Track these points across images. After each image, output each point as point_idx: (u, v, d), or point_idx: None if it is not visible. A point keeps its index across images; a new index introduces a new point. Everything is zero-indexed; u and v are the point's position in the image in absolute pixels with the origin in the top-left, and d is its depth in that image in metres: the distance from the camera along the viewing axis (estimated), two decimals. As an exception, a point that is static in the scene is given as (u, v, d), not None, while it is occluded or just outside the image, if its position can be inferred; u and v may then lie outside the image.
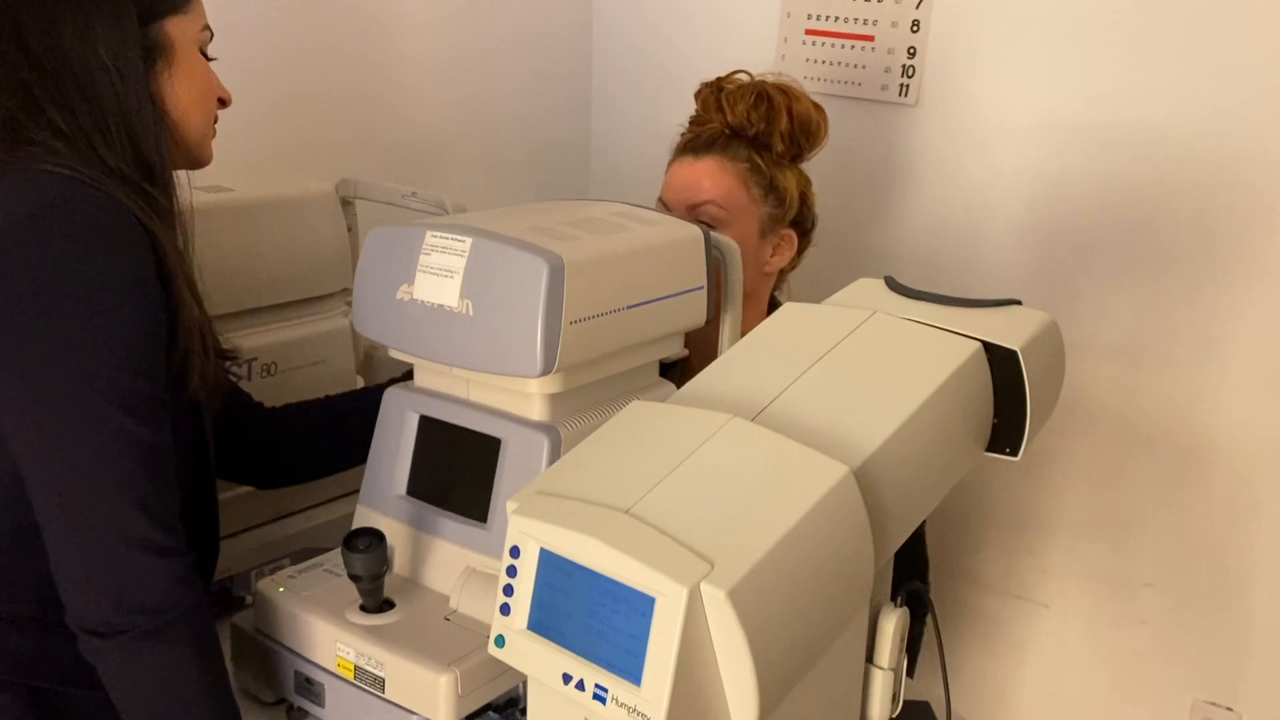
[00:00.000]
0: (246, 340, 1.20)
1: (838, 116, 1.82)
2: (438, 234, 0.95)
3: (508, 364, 0.92)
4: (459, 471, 1.00)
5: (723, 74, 1.40)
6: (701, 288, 1.06)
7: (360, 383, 1.36)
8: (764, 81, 1.36)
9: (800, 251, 1.42)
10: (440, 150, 1.85)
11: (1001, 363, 0.87)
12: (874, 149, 1.80)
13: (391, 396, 1.05)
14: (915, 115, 1.76)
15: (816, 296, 1.00)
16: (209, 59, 1.03)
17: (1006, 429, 0.90)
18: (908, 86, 1.75)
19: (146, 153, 0.95)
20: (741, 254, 1.16)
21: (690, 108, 1.41)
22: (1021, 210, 1.68)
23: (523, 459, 0.96)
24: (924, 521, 0.97)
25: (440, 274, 0.94)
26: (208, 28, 1.02)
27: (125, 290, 0.88)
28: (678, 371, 1.26)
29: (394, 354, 1.01)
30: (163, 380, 0.91)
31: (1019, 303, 0.93)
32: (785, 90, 1.35)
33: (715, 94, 1.37)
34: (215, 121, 1.04)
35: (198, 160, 1.03)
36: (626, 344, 0.99)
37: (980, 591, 1.81)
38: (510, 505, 0.77)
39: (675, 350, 1.09)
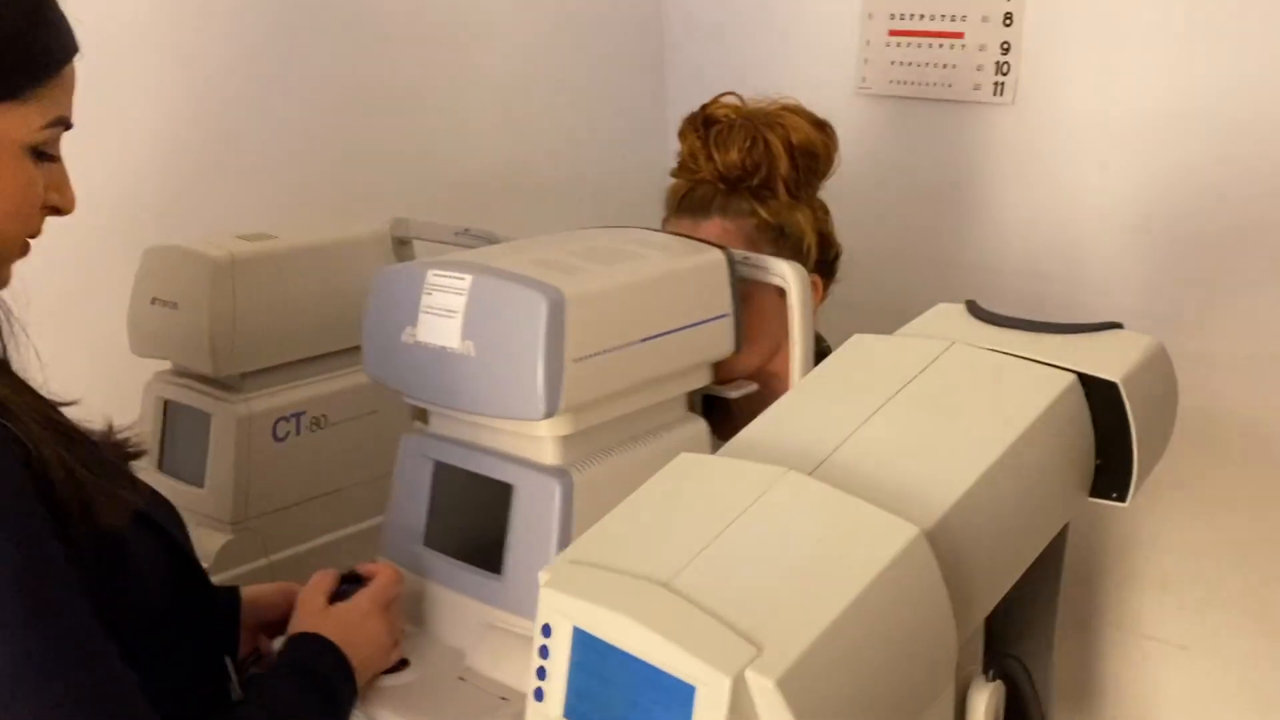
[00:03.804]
0: (294, 393, 1.15)
1: (927, 121, 1.70)
2: (439, 273, 0.88)
3: (511, 407, 0.85)
4: (474, 520, 0.93)
5: (745, 99, 1.19)
6: (726, 315, 0.97)
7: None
8: (754, 116, 1.16)
9: (827, 288, 1.25)
10: (506, 184, 1.78)
11: (1101, 397, 0.76)
12: (968, 153, 1.67)
13: (407, 443, 0.99)
14: (1012, 115, 1.62)
15: (899, 319, 0.90)
16: (52, 158, 0.82)
17: (1111, 471, 0.78)
18: (1002, 84, 1.62)
19: None
20: (762, 320, 1.06)
21: None
22: (1134, 212, 1.53)
23: (534, 506, 0.89)
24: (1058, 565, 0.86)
25: (442, 314, 0.87)
26: (61, 122, 0.82)
27: None
28: (736, 408, 1.16)
29: (406, 399, 0.96)
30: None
31: (1120, 326, 0.81)
32: (780, 121, 1.15)
33: (701, 138, 1.16)
34: (35, 235, 0.84)
35: None
36: (643, 379, 0.91)
37: (1103, 632, 1.65)
38: (542, 577, 0.69)
39: (701, 382, 1.00)
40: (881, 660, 0.63)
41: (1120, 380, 0.74)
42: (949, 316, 0.86)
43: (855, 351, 0.84)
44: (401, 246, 1.31)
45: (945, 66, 1.68)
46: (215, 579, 1.11)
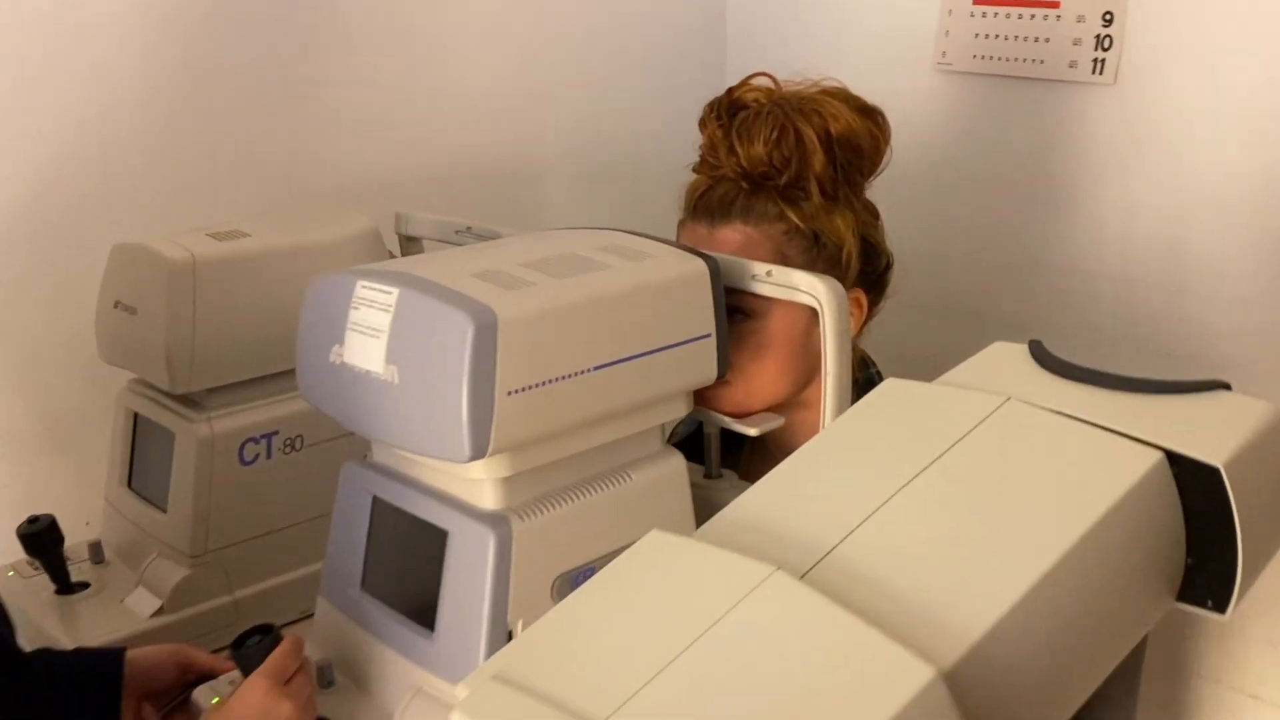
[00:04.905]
0: (265, 412, 1.02)
1: (1015, 102, 1.51)
2: (367, 284, 0.75)
3: (434, 445, 0.73)
4: (411, 566, 0.81)
5: (764, 81, 1.01)
6: (709, 336, 0.82)
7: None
8: (786, 101, 0.98)
9: (874, 305, 1.05)
10: (528, 172, 1.64)
11: (1198, 481, 0.58)
12: (1061, 141, 1.48)
13: (348, 474, 0.87)
14: (1113, 96, 1.42)
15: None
16: None
17: (1208, 573, 0.61)
18: (1103, 61, 1.42)
19: None
20: (792, 343, 0.91)
21: None
22: (1253, 212, 1.32)
23: (468, 557, 0.76)
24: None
25: (368, 333, 0.75)
26: None
27: None
28: (771, 443, 1.00)
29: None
30: None
31: (1227, 386, 0.63)
32: (817, 107, 0.96)
33: (724, 127, 0.98)
34: None
35: None
36: (601, 413, 0.77)
37: (1197, 685, 1.45)
38: (459, 690, 0.55)
39: (678, 413, 0.85)
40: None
41: (1224, 465, 0.56)
42: (1007, 361, 0.68)
43: (885, 403, 0.67)
44: (410, 244, 1.18)
45: (1037, 40, 1.49)
46: (172, 618, 1.01)
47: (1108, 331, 1.47)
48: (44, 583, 1.04)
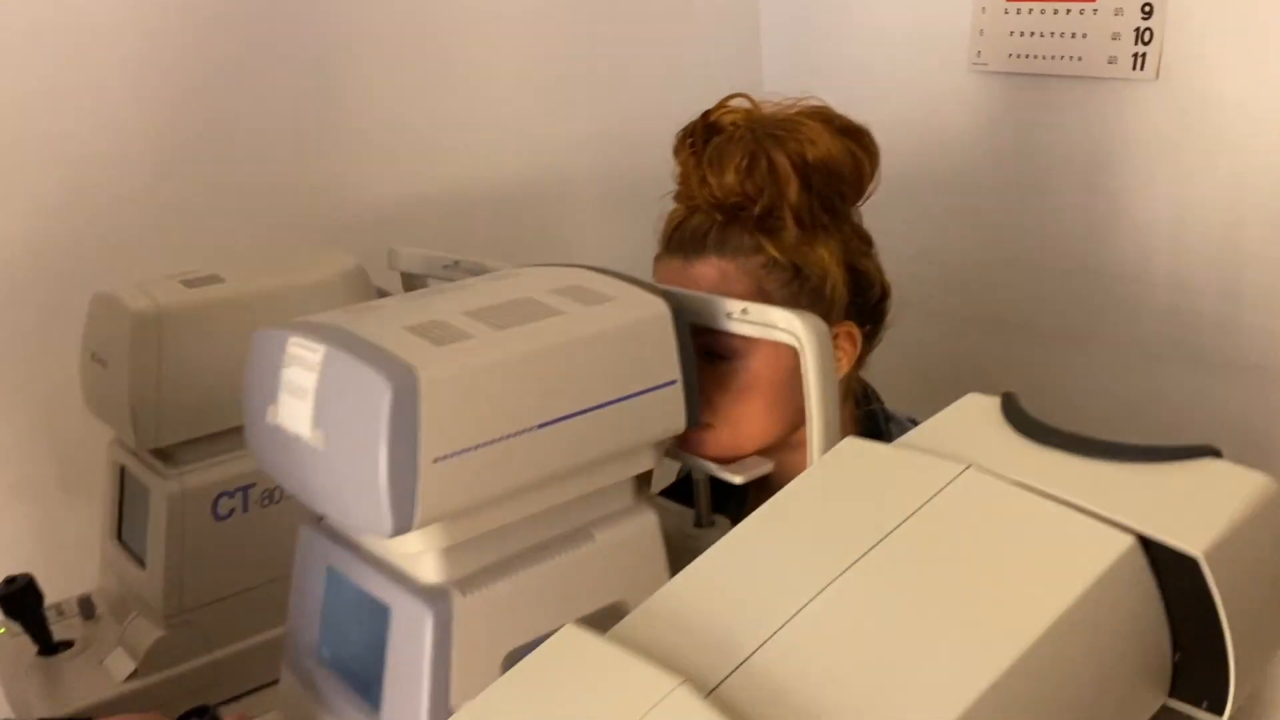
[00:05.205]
0: (240, 464, 0.98)
1: (1054, 102, 1.42)
2: (297, 340, 0.70)
3: (359, 517, 0.67)
4: (362, 639, 0.75)
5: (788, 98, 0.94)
6: (674, 383, 0.75)
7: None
8: (761, 124, 0.92)
9: (870, 339, 0.98)
10: (566, 193, 1.59)
11: (1176, 568, 0.50)
12: (1102, 140, 1.39)
13: (304, 537, 0.82)
14: (1156, 92, 1.33)
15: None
16: None
17: (1200, 669, 0.53)
18: (1143, 56, 1.32)
19: None
20: (778, 383, 0.85)
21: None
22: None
23: (408, 635, 0.70)
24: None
25: (296, 394, 0.69)
26: None
27: None
28: (754, 492, 0.93)
29: None
30: None
31: (1217, 453, 0.55)
32: (793, 133, 0.90)
33: (695, 153, 0.92)
34: None
35: None
36: (550, 473, 0.71)
37: None
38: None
39: (645, 465, 0.78)
40: None
41: (1203, 554, 0.48)
42: (976, 419, 0.61)
43: (837, 470, 0.60)
44: (411, 280, 1.13)
45: (1074, 36, 1.40)
46: (149, 680, 0.97)
47: (1161, 341, 1.38)
48: (30, 642, 1.02)
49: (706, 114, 0.94)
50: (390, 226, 1.43)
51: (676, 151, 0.95)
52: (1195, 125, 1.29)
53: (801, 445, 0.92)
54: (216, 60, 1.30)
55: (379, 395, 0.64)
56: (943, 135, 1.57)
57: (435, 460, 0.65)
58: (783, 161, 0.89)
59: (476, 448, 0.67)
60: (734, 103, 0.95)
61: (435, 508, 0.66)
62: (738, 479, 0.85)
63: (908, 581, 0.51)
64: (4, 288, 1.21)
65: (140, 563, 1.01)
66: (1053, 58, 1.41)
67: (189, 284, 0.98)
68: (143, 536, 1.00)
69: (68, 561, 1.11)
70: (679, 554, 0.82)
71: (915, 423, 0.66)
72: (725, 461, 0.87)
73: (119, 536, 1.07)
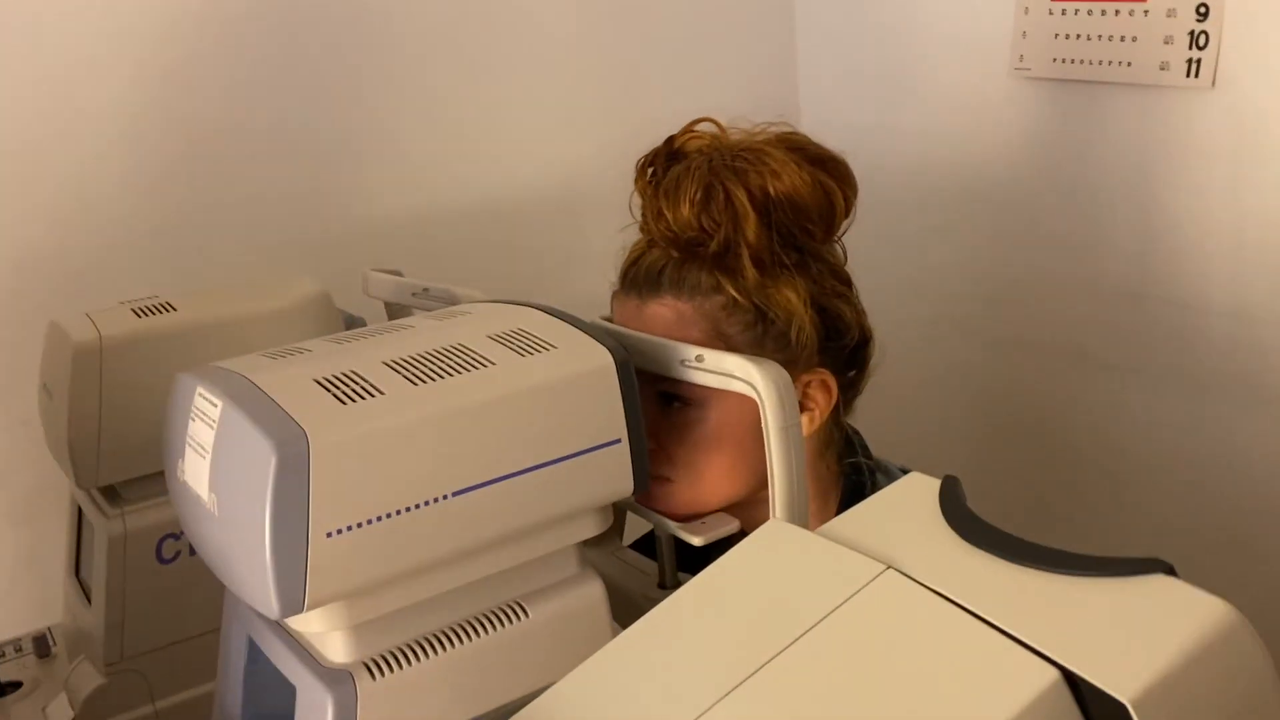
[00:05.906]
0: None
1: (1101, 110, 1.31)
2: (203, 390, 0.63)
3: (250, 593, 0.60)
4: (277, 718, 0.68)
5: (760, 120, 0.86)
6: (618, 441, 0.66)
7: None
8: (722, 153, 0.83)
9: (851, 387, 0.89)
10: (583, 207, 1.51)
11: (1107, 710, 0.41)
12: (1155, 153, 1.28)
13: (229, 602, 0.75)
14: (1212, 101, 1.21)
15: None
16: None
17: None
18: (1198, 62, 1.21)
19: None
20: (742, 434, 0.78)
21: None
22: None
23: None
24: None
25: (199, 450, 0.63)
26: None
27: None
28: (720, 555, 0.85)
29: None
30: None
31: (1170, 569, 0.44)
32: (757, 162, 0.81)
33: (652, 184, 0.84)
34: None
35: None
36: (469, 545, 0.63)
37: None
38: None
39: (589, 531, 0.69)
40: None
41: (1131, 701, 0.39)
42: (910, 506, 0.52)
43: (751, 561, 0.52)
44: (395, 310, 1.05)
45: (1124, 40, 1.30)
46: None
47: (1217, 372, 1.27)
48: (-19, 682, 0.98)
49: (670, 139, 0.86)
50: (400, 241, 1.38)
51: (636, 179, 0.86)
52: (1254, 139, 1.18)
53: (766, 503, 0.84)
54: (209, 74, 1.25)
55: (264, 461, 0.57)
56: (980, 144, 1.47)
57: (329, 535, 0.58)
58: (740, 196, 0.80)
59: (378, 519, 0.60)
60: (700, 127, 0.86)
61: (328, 587, 0.59)
62: (697, 540, 0.77)
63: (811, 697, 0.43)
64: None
65: (87, 601, 0.96)
66: (1100, 63, 1.30)
67: (139, 313, 0.93)
68: (89, 575, 0.96)
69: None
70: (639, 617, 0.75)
71: (906, 473, 0.58)
72: (687, 518, 0.79)
73: (76, 574, 1.02)
